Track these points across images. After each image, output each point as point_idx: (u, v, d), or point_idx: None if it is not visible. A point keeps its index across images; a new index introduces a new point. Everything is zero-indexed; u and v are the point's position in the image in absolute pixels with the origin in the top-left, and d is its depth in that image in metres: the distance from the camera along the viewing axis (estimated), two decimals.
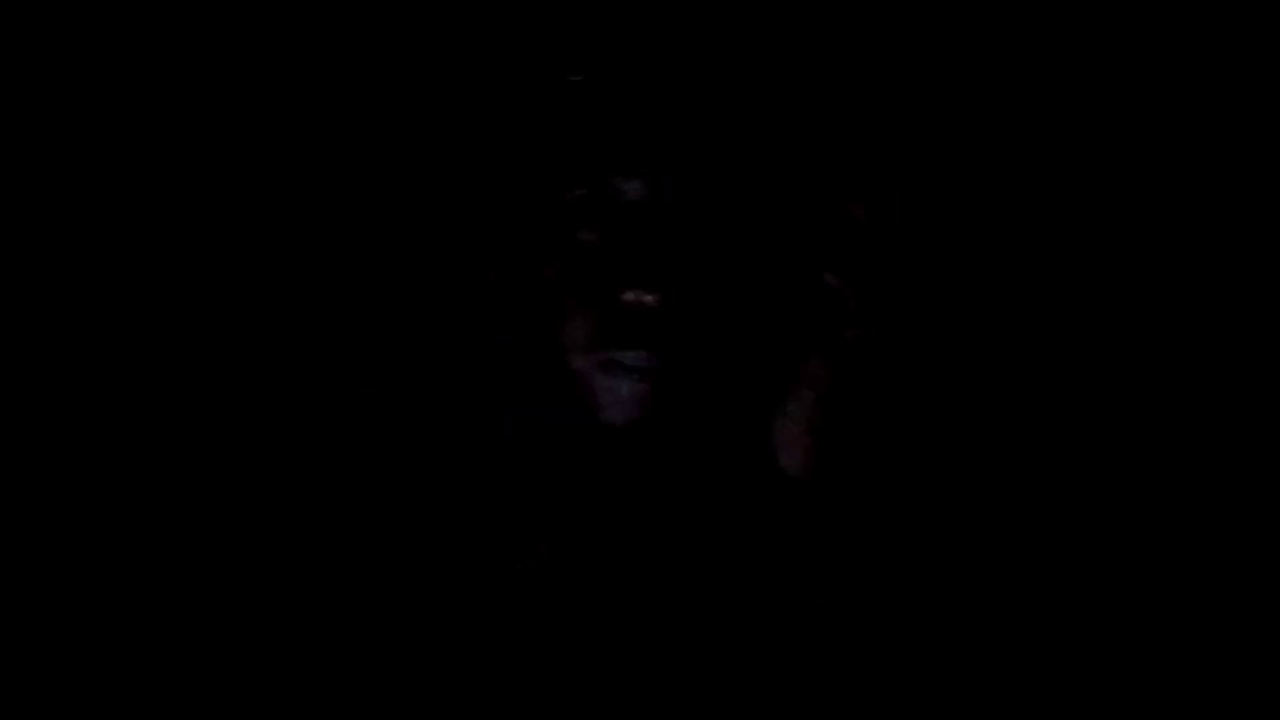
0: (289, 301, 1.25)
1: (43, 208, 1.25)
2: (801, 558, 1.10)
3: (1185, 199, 1.25)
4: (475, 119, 1.14)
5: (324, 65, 1.24)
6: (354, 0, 1.24)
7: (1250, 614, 1.18)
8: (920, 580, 1.11)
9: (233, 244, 1.25)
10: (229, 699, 1.14)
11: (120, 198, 1.25)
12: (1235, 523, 1.21)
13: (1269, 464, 1.21)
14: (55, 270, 1.25)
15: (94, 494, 1.22)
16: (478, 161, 1.14)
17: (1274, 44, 1.23)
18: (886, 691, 1.10)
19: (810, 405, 1.11)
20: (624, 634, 1.10)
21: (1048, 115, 1.25)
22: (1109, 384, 1.24)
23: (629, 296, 1.01)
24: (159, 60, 1.25)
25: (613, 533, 1.10)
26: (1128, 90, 1.25)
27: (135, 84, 1.25)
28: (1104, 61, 1.25)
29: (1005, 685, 1.11)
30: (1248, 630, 1.18)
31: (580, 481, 1.11)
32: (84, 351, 1.24)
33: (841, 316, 1.17)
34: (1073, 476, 1.20)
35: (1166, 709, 1.15)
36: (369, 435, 1.16)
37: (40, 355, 1.24)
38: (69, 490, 1.22)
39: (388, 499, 1.15)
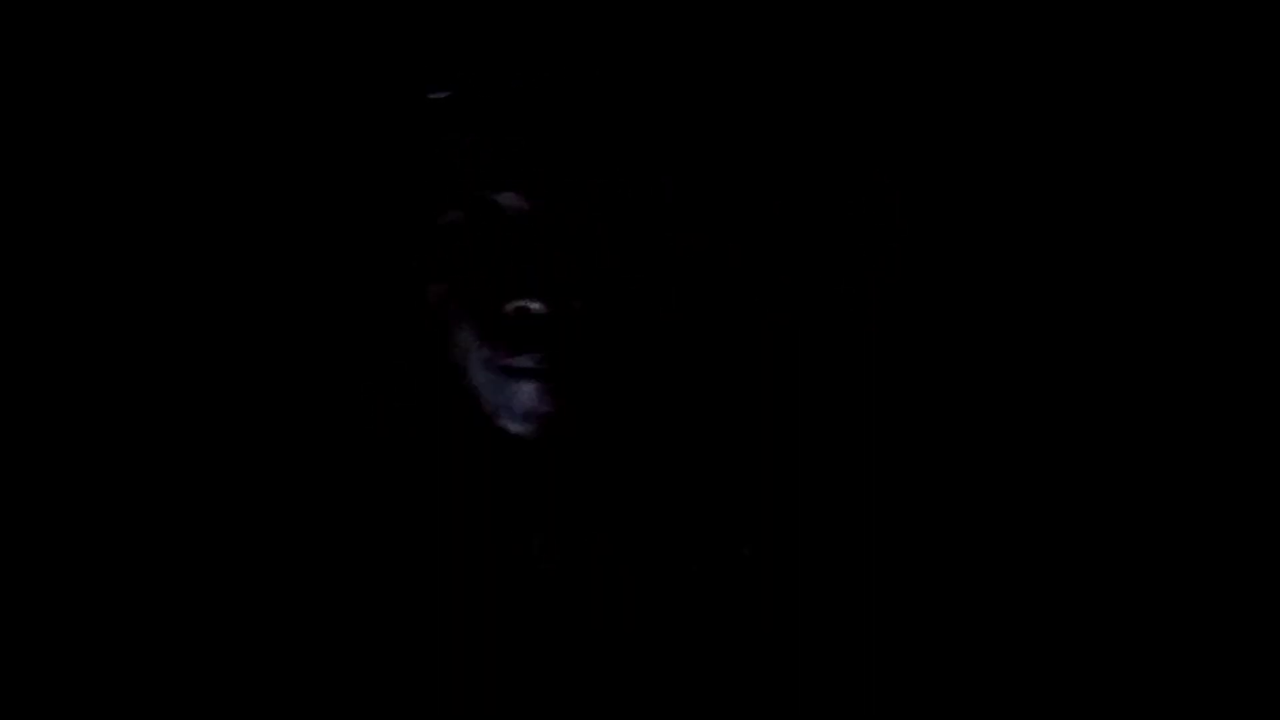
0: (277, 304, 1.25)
1: (40, 208, 1.25)
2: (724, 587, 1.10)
3: (1185, 199, 1.25)
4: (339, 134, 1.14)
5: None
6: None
7: (1250, 614, 1.18)
8: (916, 591, 1.11)
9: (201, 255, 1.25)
10: (229, 698, 1.14)
11: (118, 198, 1.25)
12: (1235, 522, 1.21)
13: (1269, 464, 1.21)
14: (50, 270, 1.24)
15: (90, 494, 1.22)
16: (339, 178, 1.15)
17: (1274, 44, 1.23)
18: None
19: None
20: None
21: (1047, 115, 1.25)
22: (1110, 384, 1.24)
23: (514, 305, 1.01)
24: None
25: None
26: (1128, 90, 1.25)
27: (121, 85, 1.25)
28: (1104, 61, 1.25)
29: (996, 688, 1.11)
30: (1248, 630, 1.18)
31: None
32: (81, 352, 1.24)
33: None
34: (1074, 478, 1.20)
35: (1165, 709, 1.15)
36: (363, 436, 1.16)
37: (34, 355, 1.24)
38: (67, 490, 1.22)
39: (382, 499, 1.14)
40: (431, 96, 1.04)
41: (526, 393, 1.02)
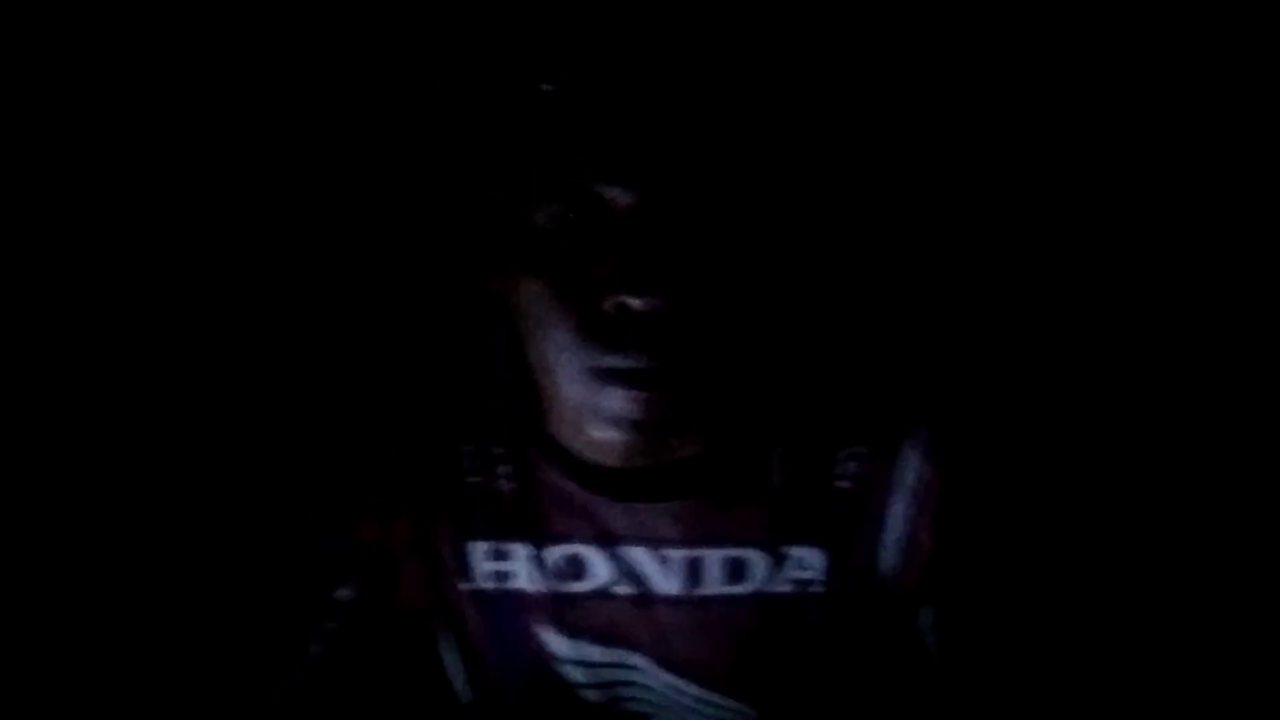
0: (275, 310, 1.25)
1: (39, 208, 1.25)
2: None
3: (1185, 200, 1.25)
4: (448, 127, 1.12)
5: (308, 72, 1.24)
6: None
7: (1250, 615, 1.18)
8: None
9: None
10: (227, 699, 1.14)
11: (118, 198, 1.26)
12: (1235, 525, 1.21)
13: (1269, 465, 1.21)
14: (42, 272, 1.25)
15: (87, 494, 1.22)
16: (451, 171, 1.13)
17: (1274, 44, 1.23)
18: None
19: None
20: None
21: (1046, 116, 1.25)
22: (1110, 386, 1.24)
23: (615, 302, 0.95)
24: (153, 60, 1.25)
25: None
26: (1127, 91, 1.25)
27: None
28: (1103, 62, 1.25)
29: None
30: (1247, 632, 1.18)
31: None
32: (80, 352, 1.25)
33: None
34: (1078, 480, 1.20)
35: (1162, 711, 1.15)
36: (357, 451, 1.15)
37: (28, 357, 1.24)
38: (65, 490, 1.22)
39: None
40: (542, 88, 0.99)
41: (618, 396, 0.96)
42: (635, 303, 0.94)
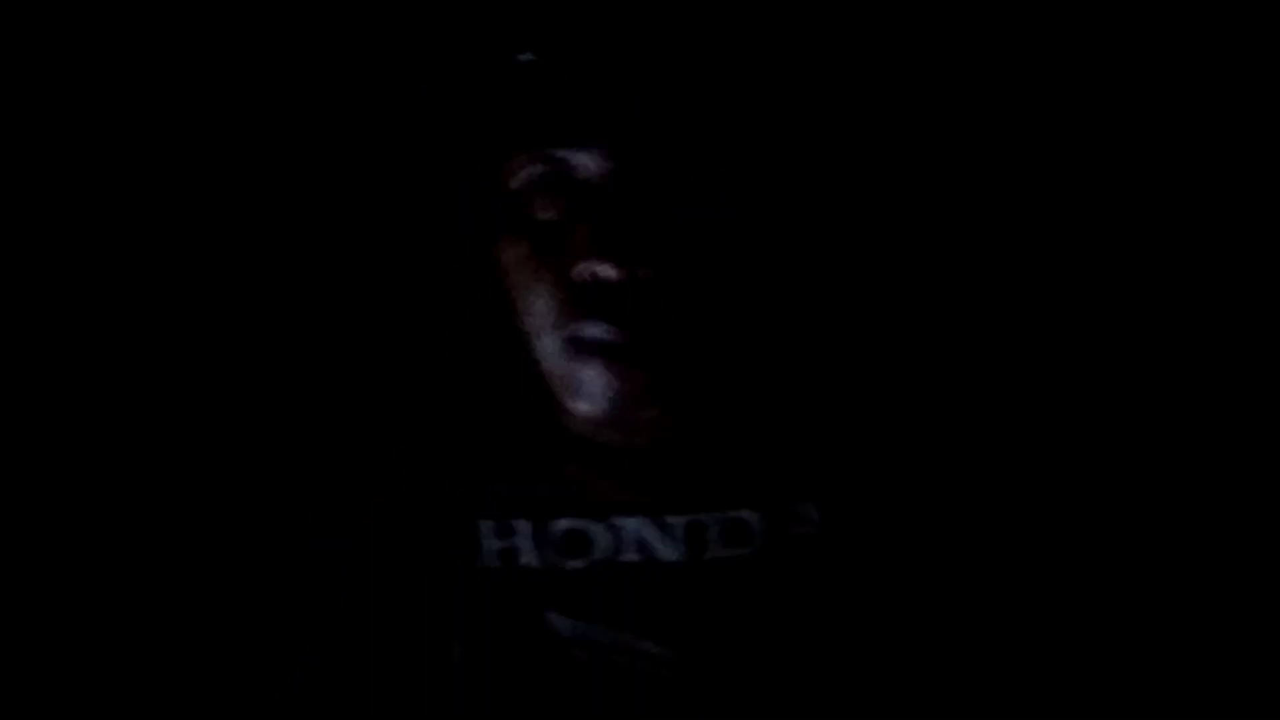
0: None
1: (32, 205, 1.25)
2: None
3: (1184, 201, 1.25)
4: (416, 99, 1.13)
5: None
6: None
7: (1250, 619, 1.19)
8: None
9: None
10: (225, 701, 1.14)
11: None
12: (1235, 523, 1.21)
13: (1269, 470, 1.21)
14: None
15: (85, 494, 1.22)
16: (420, 143, 1.13)
17: (1274, 44, 1.24)
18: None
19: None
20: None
21: (1044, 116, 1.25)
22: (1109, 388, 1.24)
23: (587, 271, 0.96)
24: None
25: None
26: (1126, 91, 1.25)
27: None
28: (1102, 62, 1.25)
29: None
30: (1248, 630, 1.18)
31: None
32: (81, 352, 1.24)
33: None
34: (1076, 483, 1.20)
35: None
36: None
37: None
38: (61, 490, 1.22)
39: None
40: (518, 59, 1.00)
41: (592, 369, 0.98)
42: (605, 271, 0.96)
